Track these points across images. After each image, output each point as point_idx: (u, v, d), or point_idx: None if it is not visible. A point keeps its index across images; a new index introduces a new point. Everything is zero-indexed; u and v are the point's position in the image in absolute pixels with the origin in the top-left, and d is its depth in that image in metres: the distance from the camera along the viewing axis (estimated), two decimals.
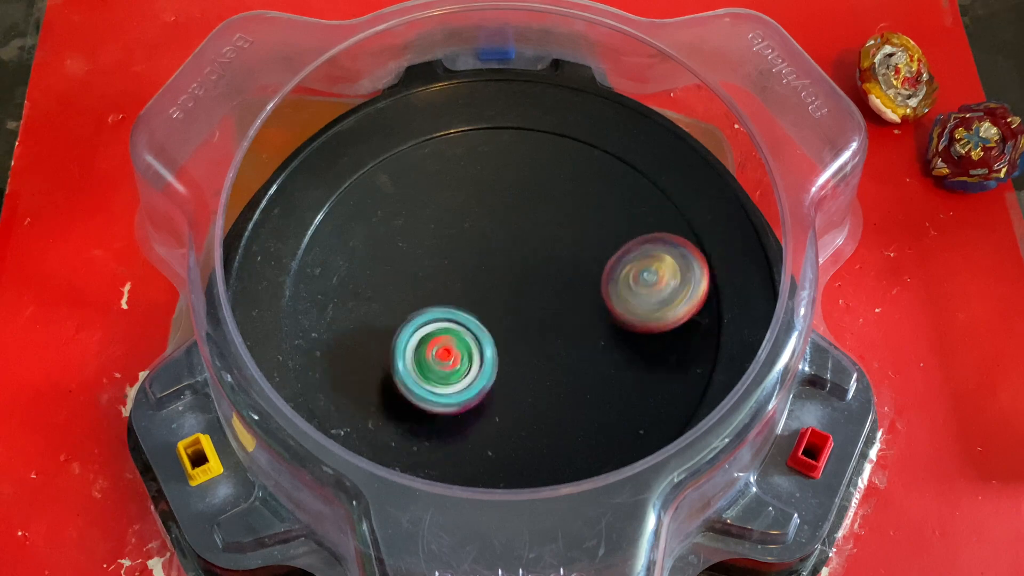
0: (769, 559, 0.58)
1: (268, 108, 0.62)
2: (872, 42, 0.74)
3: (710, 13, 0.66)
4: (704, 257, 0.60)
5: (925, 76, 0.74)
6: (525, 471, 0.58)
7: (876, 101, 0.73)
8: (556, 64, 0.69)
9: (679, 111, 0.70)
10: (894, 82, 0.73)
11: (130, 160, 0.61)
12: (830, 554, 0.61)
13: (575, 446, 0.58)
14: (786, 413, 0.61)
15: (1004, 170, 0.71)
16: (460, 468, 0.58)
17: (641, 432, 0.59)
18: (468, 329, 0.59)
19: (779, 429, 0.60)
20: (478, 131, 0.67)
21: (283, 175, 0.65)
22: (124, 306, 0.67)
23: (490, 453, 0.58)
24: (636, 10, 0.66)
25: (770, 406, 0.57)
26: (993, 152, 0.71)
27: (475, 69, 0.69)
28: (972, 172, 0.71)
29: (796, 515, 0.58)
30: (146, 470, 0.60)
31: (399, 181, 0.65)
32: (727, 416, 0.56)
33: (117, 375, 0.65)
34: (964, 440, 0.65)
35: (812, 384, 0.61)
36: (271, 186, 0.64)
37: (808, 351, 0.61)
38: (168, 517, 0.59)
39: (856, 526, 0.62)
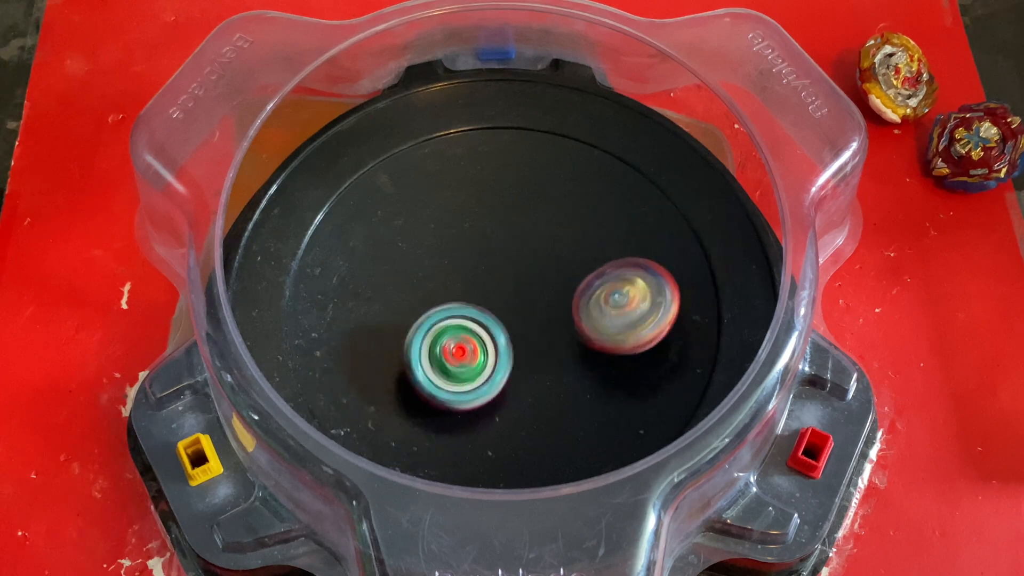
0: (769, 559, 0.58)
1: (268, 108, 0.62)
2: (872, 42, 0.74)
3: (710, 13, 0.66)
4: (676, 284, 0.59)
5: (925, 76, 0.74)
6: (525, 471, 0.58)
7: (876, 101, 0.73)
8: (556, 64, 0.69)
9: (679, 111, 0.70)
10: (894, 82, 0.73)
11: (130, 160, 0.61)
12: (830, 554, 0.61)
13: (575, 446, 0.58)
14: (786, 413, 0.61)
15: (1004, 170, 0.71)
16: (460, 468, 0.58)
17: (641, 432, 0.59)
18: (476, 321, 0.59)
19: (779, 429, 0.60)
20: (478, 131, 0.67)
21: (283, 175, 0.65)
22: (124, 306, 0.67)
23: (490, 453, 0.58)
24: (636, 10, 0.66)
25: (770, 406, 0.57)
26: (993, 152, 0.71)
27: (475, 69, 0.69)
28: (972, 172, 0.71)
29: (796, 515, 0.58)
30: (146, 470, 0.60)
31: (399, 181, 0.65)
32: (727, 416, 0.55)
33: (117, 375, 0.65)
34: (964, 440, 0.65)
35: (812, 384, 0.61)
36: (271, 186, 0.64)
37: (808, 351, 0.61)
38: (168, 517, 0.59)
39: (856, 526, 0.62)
